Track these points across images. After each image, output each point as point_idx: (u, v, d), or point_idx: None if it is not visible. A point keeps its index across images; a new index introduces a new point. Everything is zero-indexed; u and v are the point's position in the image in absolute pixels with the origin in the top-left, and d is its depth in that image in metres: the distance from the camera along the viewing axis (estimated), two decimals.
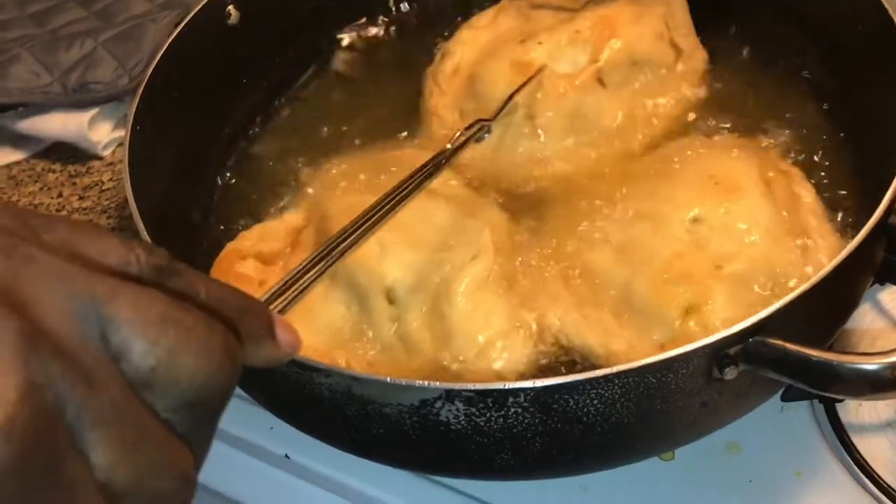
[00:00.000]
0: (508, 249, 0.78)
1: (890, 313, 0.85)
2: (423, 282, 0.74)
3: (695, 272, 0.71)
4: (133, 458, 0.34)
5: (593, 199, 0.81)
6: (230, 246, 0.80)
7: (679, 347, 0.58)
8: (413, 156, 0.85)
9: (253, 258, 0.78)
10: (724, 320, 0.68)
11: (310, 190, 0.85)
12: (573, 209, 0.81)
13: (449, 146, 0.77)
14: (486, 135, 0.82)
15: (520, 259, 0.78)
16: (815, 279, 0.59)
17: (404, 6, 1.02)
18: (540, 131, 0.85)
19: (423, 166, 0.72)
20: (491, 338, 0.72)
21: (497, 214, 0.81)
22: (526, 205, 0.83)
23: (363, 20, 1.00)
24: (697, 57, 0.88)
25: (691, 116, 0.86)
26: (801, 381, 0.59)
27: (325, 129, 0.92)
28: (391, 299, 0.74)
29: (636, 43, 0.86)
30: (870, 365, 0.56)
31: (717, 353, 0.59)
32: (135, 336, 0.34)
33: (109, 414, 0.33)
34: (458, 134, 0.79)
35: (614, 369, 0.58)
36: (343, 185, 0.84)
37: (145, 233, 0.70)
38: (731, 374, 0.60)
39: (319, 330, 0.76)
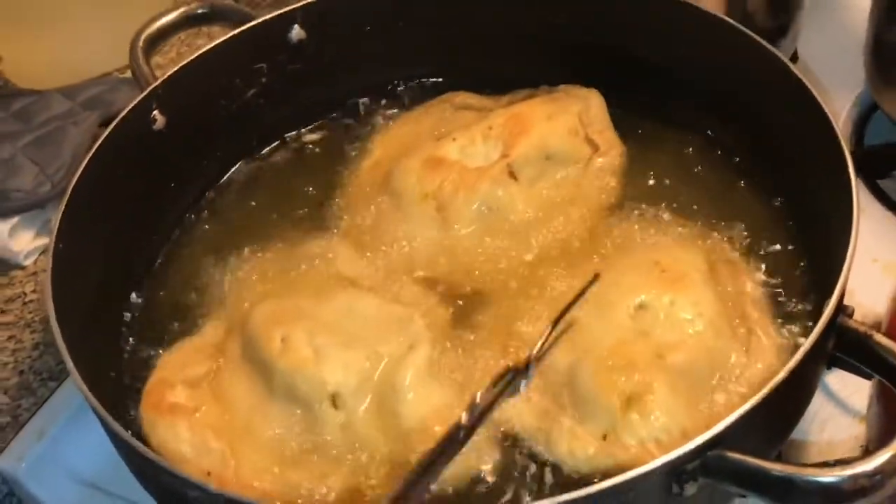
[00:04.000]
0: (445, 332, 0.77)
1: (837, 396, 0.85)
2: (366, 380, 0.72)
3: (638, 360, 0.70)
4: None
5: (533, 284, 0.80)
6: (155, 376, 0.77)
7: (638, 468, 0.57)
8: (326, 248, 0.85)
9: (181, 385, 0.75)
10: (666, 412, 0.68)
11: (227, 296, 0.84)
12: (509, 295, 0.80)
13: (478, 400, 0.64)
14: (523, 383, 0.68)
15: (461, 342, 0.77)
16: (767, 389, 0.59)
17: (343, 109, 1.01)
18: (451, 223, 0.84)
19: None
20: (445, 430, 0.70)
21: (426, 298, 0.80)
22: (461, 292, 0.82)
23: (290, 118, 0.99)
24: (614, 151, 0.89)
25: (621, 205, 0.86)
26: (761, 494, 0.58)
27: (247, 227, 0.90)
28: (337, 405, 0.72)
29: (548, 138, 0.87)
30: (828, 478, 0.55)
31: (677, 470, 0.58)
32: None
33: None
34: (486, 389, 0.65)
35: (572, 495, 0.56)
36: (258, 287, 0.83)
37: (69, 358, 0.67)
38: (690, 489, 0.59)
39: (262, 447, 0.73)
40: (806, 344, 0.60)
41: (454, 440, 0.61)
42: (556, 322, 0.70)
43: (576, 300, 0.72)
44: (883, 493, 0.55)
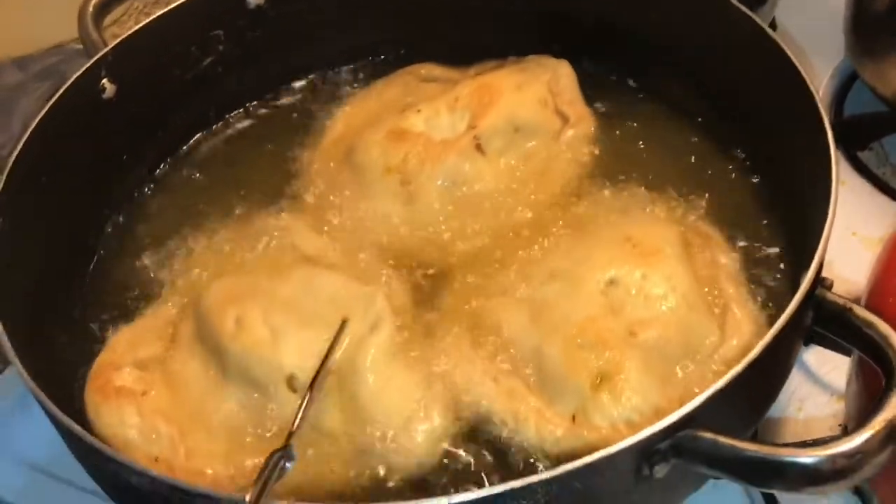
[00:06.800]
0: (408, 310, 0.74)
1: (816, 374, 0.82)
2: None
3: (609, 338, 0.67)
4: None
5: (499, 259, 0.77)
6: (102, 358, 0.73)
7: (606, 448, 0.53)
8: (285, 224, 0.81)
9: (130, 366, 0.71)
10: (638, 392, 0.65)
11: (181, 274, 0.80)
12: (475, 271, 0.77)
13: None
14: (288, 464, 0.60)
15: (424, 319, 0.74)
16: (740, 366, 0.56)
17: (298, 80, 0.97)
18: (416, 197, 0.81)
19: None
20: (409, 413, 0.68)
21: (388, 275, 0.77)
22: (425, 268, 0.79)
23: (250, 88, 0.95)
24: (585, 123, 0.86)
25: (592, 178, 0.83)
26: (734, 476, 0.55)
27: (204, 201, 0.87)
28: (294, 388, 0.68)
29: (517, 110, 0.84)
30: (805, 458, 0.52)
31: (647, 451, 0.55)
32: None
33: None
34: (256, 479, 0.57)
35: (539, 477, 0.53)
36: (214, 264, 0.79)
37: (10, 348, 0.63)
38: (661, 471, 0.56)
39: (215, 432, 0.69)
40: (783, 317, 0.58)
41: None
42: (311, 386, 0.65)
43: (329, 353, 0.67)
44: (862, 474, 0.52)
